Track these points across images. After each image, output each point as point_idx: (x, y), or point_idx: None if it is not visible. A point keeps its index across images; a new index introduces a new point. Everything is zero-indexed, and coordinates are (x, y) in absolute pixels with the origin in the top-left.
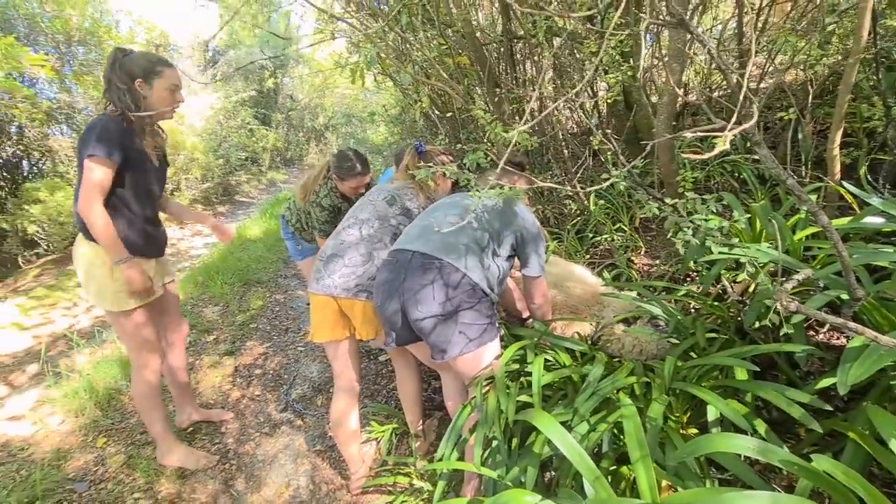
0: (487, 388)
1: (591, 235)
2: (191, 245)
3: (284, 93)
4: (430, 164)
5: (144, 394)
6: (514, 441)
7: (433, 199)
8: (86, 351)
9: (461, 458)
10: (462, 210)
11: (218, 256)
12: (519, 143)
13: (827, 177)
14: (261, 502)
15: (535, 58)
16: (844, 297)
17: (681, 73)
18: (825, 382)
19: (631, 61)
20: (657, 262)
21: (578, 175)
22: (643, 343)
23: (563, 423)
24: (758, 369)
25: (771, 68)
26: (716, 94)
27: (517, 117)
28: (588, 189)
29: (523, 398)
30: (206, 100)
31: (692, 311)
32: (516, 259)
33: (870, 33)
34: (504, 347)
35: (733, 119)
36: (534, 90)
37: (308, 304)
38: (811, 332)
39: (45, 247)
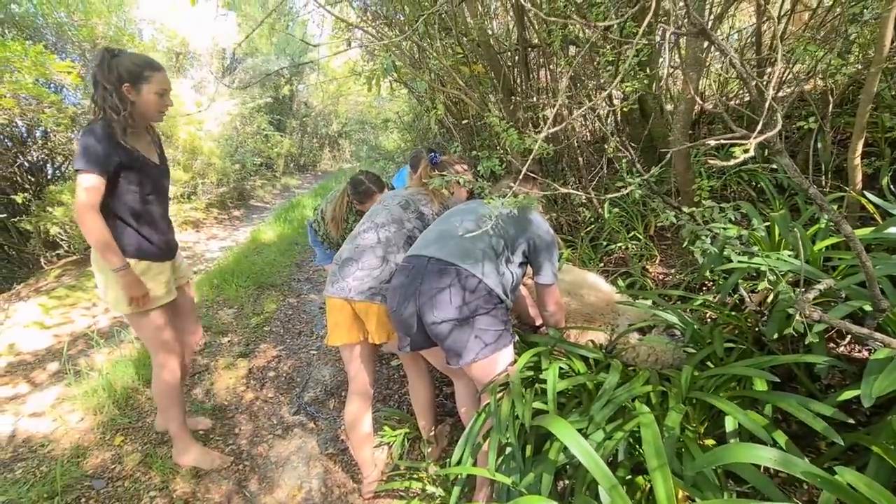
0: (502, 393)
1: (605, 243)
2: (206, 248)
3: (299, 99)
4: (445, 174)
5: (164, 392)
6: (529, 448)
7: (447, 205)
8: (105, 350)
9: (474, 465)
10: (478, 217)
11: (233, 260)
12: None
13: (848, 186)
14: None
15: (551, 66)
16: (867, 308)
17: (698, 81)
18: (848, 395)
19: (647, 70)
20: (672, 270)
21: (593, 183)
22: (659, 352)
23: (578, 431)
24: (778, 380)
25: (790, 77)
26: (732, 102)
27: (531, 125)
28: (603, 197)
29: (537, 405)
30: (223, 106)
31: (709, 320)
32: (529, 266)
33: (892, 42)
34: (518, 355)
35: (758, 128)
36: (548, 98)
37: (321, 308)
38: (831, 345)
39: (66, 248)
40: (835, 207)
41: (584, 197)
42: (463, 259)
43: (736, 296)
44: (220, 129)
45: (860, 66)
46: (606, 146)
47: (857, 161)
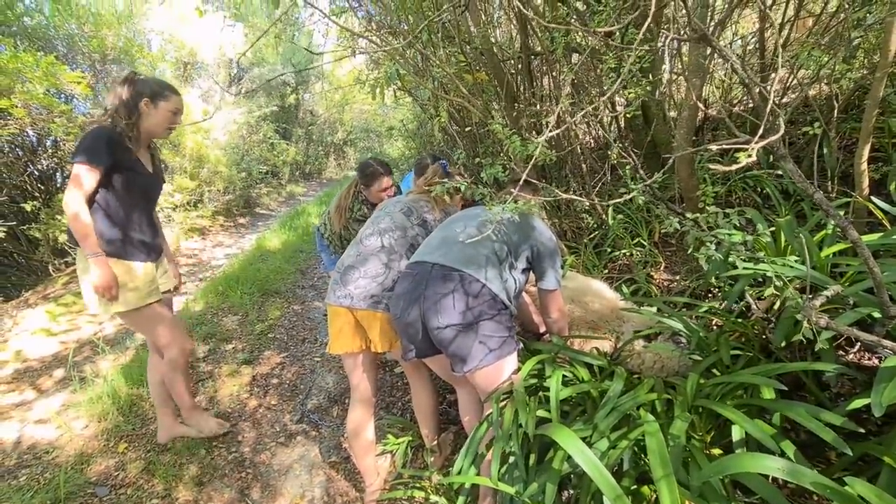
0: (505, 402)
1: (609, 250)
2: (212, 255)
3: (305, 108)
4: (445, 181)
5: (172, 372)
6: (533, 457)
7: (449, 213)
8: (110, 357)
9: (477, 474)
10: (480, 223)
11: (238, 267)
12: (537, 158)
13: (854, 192)
14: None
15: (554, 73)
16: (876, 314)
17: (701, 87)
18: (857, 403)
19: (650, 76)
20: (677, 277)
21: (596, 189)
22: (664, 359)
23: (582, 440)
24: (785, 388)
25: (794, 82)
26: (736, 108)
27: (534, 132)
28: (607, 203)
29: (541, 413)
30: (229, 115)
31: (714, 327)
32: (532, 273)
33: None
34: (521, 362)
35: (759, 132)
36: (552, 105)
37: (325, 315)
38: (840, 353)
39: (74, 255)
40: (841, 213)
41: (587, 203)
42: (466, 265)
43: (742, 303)
44: (227, 137)
45: (865, 72)
46: (609, 152)
47: (864, 166)
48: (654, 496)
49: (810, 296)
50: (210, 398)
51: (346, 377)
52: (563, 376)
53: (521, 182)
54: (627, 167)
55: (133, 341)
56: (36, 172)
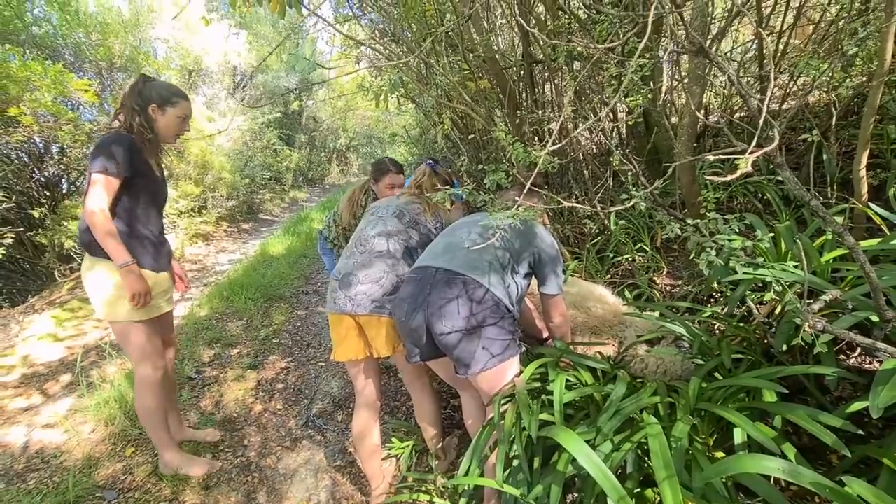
0: (506, 405)
1: (611, 255)
2: (216, 261)
3: (308, 114)
4: (441, 184)
5: (147, 413)
6: (537, 460)
7: (440, 216)
8: (116, 362)
9: (481, 476)
10: (484, 229)
11: (242, 272)
12: (541, 166)
13: (853, 198)
14: None
15: (556, 81)
16: (875, 318)
17: (701, 95)
18: (857, 406)
19: (651, 84)
20: (679, 282)
21: (599, 195)
22: (668, 363)
23: (586, 442)
24: (787, 391)
25: (794, 88)
26: (736, 115)
27: (536, 139)
28: (609, 209)
29: (544, 416)
30: (233, 121)
31: (716, 332)
32: (534, 279)
33: (894, 56)
34: (524, 365)
35: (754, 142)
36: (554, 112)
37: (329, 321)
38: (841, 357)
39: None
40: (840, 219)
41: (588, 208)
42: (470, 270)
43: (743, 307)
44: (231, 143)
45: (863, 79)
46: (611, 159)
47: (863, 172)
48: (658, 499)
49: (809, 300)
50: (216, 403)
51: (350, 382)
52: (567, 380)
53: (525, 189)
54: (629, 173)
55: None
56: (42, 179)
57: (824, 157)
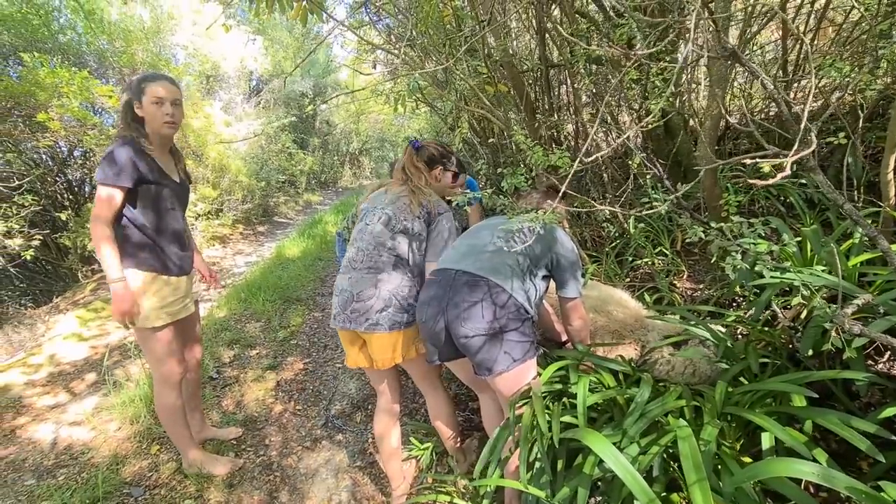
0: (522, 406)
1: (630, 259)
2: (233, 263)
3: (321, 118)
4: (427, 160)
5: (166, 415)
6: (560, 462)
7: (424, 206)
8: (139, 361)
9: (501, 478)
10: (506, 232)
11: (259, 274)
12: (561, 170)
13: (881, 202)
14: None
15: (575, 84)
16: None
17: (723, 97)
18: (890, 412)
19: (673, 87)
20: (701, 286)
21: (621, 199)
22: (696, 364)
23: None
24: (816, 396)
25: (816, 91)
26: (757, 117)
27: (553, 142)
28: (631, 212)
29: (567, 419)
30: (250, 126)
31: (740, 336)
32: (552, 281)
33: None
34: (543, 367)
35: (795, 147)
36: (570, 115)
37: None
38: (869, 362)
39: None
40: (870, 222)
41: (607, 212)
42: (493, 273)
43: (768, 312)
44: (247, 147)
45: (889, 81)
46: (630, 161)
47: (891, 176)
48: (685, 503)
49: (837, 305)
50: (237, 402)
51: (368, 383)
52: (589, 382)
53: (546, 190)
54: (649, 177)
55: None
56: (66, 183)
57: (849, 160)
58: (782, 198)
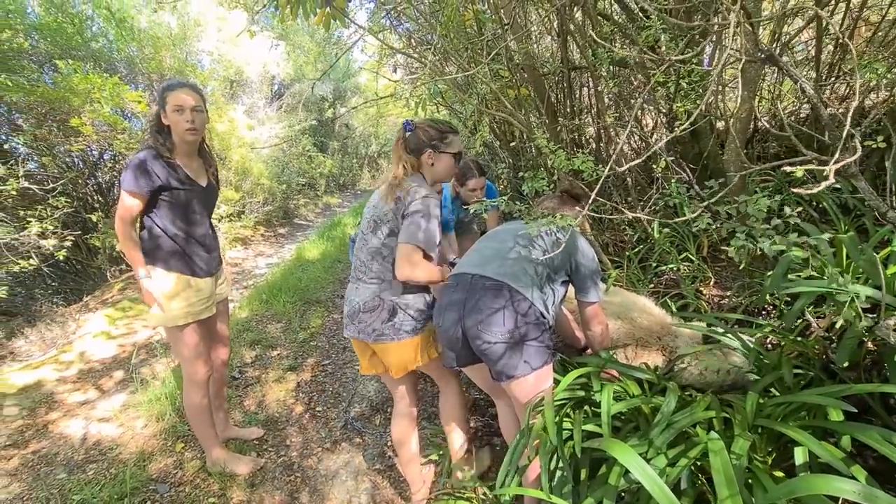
0: (538, 414)
1: (654, 264)
2: (255, 265)
3: (341, 121)
4: (415, 147)
5: (194, 412)
6: (584, 472)
7: (401, 202)
8: (165, 360)
9: (519, 485)
10: (528, 238)
11: (280, 276)
12: (583, 172)
13: None
14: None
15: (599, 87)
16: None
17: (753, 99)
18: None
19: (700, 89)
20: (728, 293)
21: (646, 208)
22: (728, 373)
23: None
24: (855, 410)
25: (851, 92)
26: (787, 119)
27: (574, 146)
28: (658, 220)
29: (590, 427)
30: (271, 129)
31: (769, 345)
32: (571, 287)
33: None
34: (562, 374)
35: (836, 154)
36: (593, 118)
37: None
38: None
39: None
40: None
41: (630, 216)
42: (514, 280)
43: (800, 321)
44: (269, 150)
45: None
46: (654, 165)
47: None
48: None
49: (875, 315)
50: (259, 403)
51: (386, 386)
52: (613, 390)
53: (561, 195)
54: (674, 182)
55: None
56: (97, 185)
57: (886, 163)
58: (813, 202)
